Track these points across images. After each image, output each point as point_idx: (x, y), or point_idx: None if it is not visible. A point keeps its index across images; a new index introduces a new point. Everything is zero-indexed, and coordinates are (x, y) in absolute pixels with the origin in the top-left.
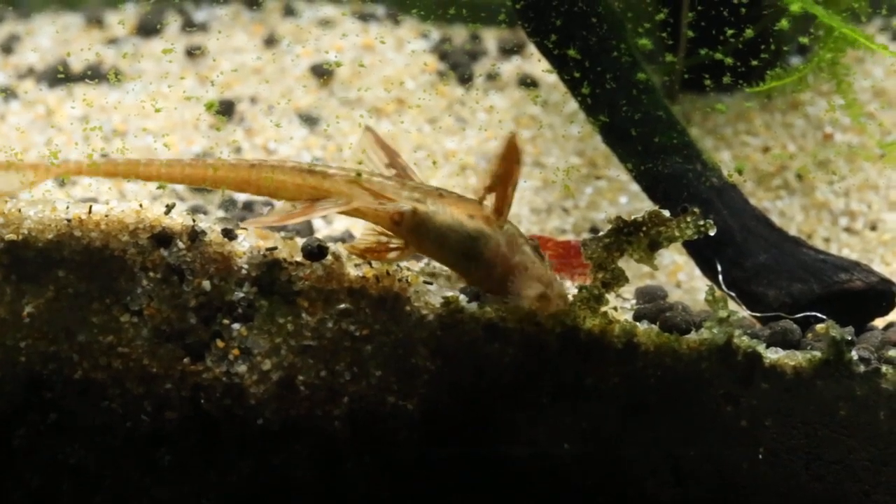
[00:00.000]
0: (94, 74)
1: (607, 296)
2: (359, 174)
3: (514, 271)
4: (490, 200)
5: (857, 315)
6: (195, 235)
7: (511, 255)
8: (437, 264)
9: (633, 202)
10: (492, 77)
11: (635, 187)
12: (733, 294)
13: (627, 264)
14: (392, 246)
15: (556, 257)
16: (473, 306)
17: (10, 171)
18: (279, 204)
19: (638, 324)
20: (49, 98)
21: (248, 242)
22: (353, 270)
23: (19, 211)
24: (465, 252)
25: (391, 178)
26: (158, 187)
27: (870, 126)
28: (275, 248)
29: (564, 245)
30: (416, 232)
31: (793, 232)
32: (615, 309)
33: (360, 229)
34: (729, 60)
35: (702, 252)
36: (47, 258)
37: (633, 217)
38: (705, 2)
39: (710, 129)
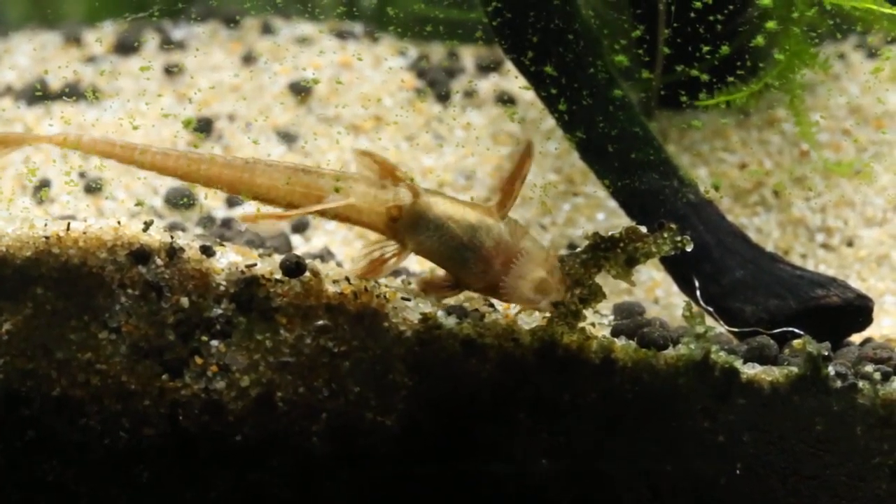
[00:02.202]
0: (72, 92)
1: (585, 312)
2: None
3: (517, 256)
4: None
5: (834, 331)
6: (173, 252)
7: (516, 242)
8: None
9: (611, 218)
10: (469, 94)
11: (613, 203)
12: (710, 310)
13: (605, 280)
14: (388, 255)
15: None
16: (451, 322)
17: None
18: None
19: (616, 340)
20: (27, 116)
21: (226, 259)
22: (332, 287)
23: None
24: (465, 243)
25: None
26: (136, 204)
27: (845, 143)
28: (253, 265)
29: None
30: (415, 225)
31: (769, 248)
32: (593, 325)
33: (339, 244)
34: (705, 77)
35: (679, 268)
36: (25, 275)
37: (610, 233)
38: (681, 18)
39: (687, 145)
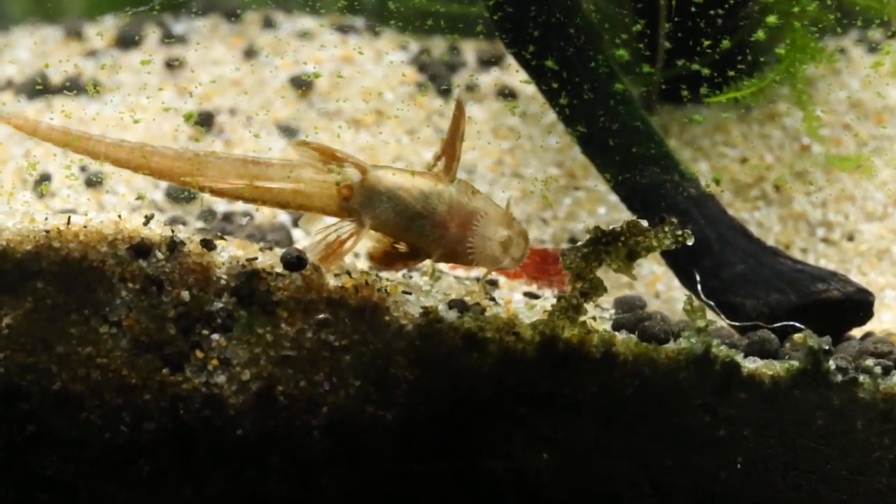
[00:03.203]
0: (73, 86)
1: (586, 306)
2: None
3: (475, 217)
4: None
5: (835, 325)
6: (174, 246)
7: (466, 204)
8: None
9: (612, 212)
10: (470, 88)
11: (614, 198)
12: (711, 304)
13: (606, 274)
14: (344, 236)
15: (533, 264)
16: (452, 316)
17: None
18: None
19: (616, 334)
20: (28, 110)
21: (226, 253)
22: (333, 281)
23: None
24: (419, 211)
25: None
26: (136, 198)
27: (846, 138)
28: (254, 259)
29: (542, 252)
30: (369, 201)
31: (770, 242)
32: (594, 319)
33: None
34: (706, 71)
35: (680, 262)
36: (25, 269)
37: (611, 227)
38: (682, 13)
39: (688, 140)
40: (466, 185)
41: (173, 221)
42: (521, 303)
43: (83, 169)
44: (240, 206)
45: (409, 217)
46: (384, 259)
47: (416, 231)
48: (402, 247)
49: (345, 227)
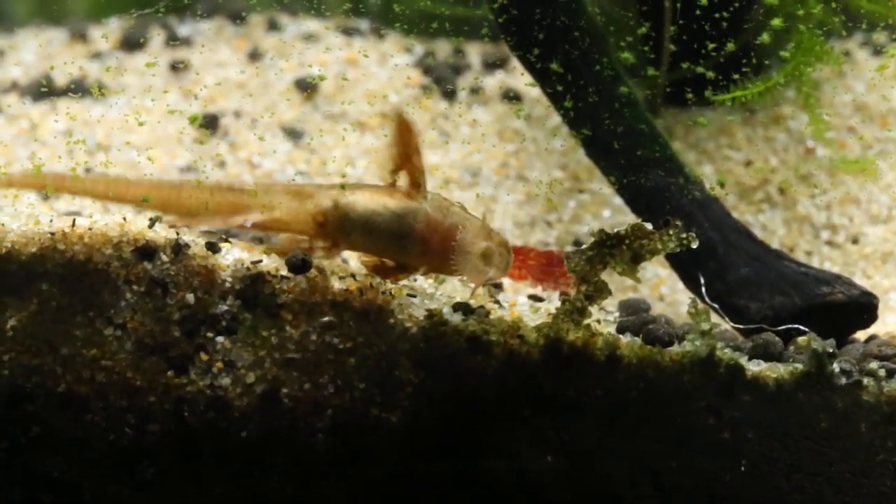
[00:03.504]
0: (78, 88)
1: (590, 308)
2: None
3: (453, 232)
4: (403, 180)
5: (839, 328)
6: (179, 248)
7: (443, 219)
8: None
9: (617, 215)
10: (475, 91)
11: (618, 200)
12: (716, 307)
13: (611, 277)
14: (317, 253)
15: (537, 267)
16: (457, 319)
17: None
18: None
19: (621, 336)
20: (33, 112)
21: (231, 256)
22: (337, 283)
23: (2, 225)
24: (395, 232)
25: (306, 184)
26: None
27: (850, 140)
28: (259, 261)
29: (546, 255)
30: (343, 226)
31: (775, 245)
32: (598, 321)
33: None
34: (711, 74)
35: (684, 265)
36: (30, 271)
37: (615, 230)
38: (687, 16)
39: (693, 142)
40: (441, 200)
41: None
42: (526, 305)
43: (88, 171)
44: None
45: (386, 239)
46: (377, 270)
47: (397, 250)
48: (389, 262)
49: (319, 244)
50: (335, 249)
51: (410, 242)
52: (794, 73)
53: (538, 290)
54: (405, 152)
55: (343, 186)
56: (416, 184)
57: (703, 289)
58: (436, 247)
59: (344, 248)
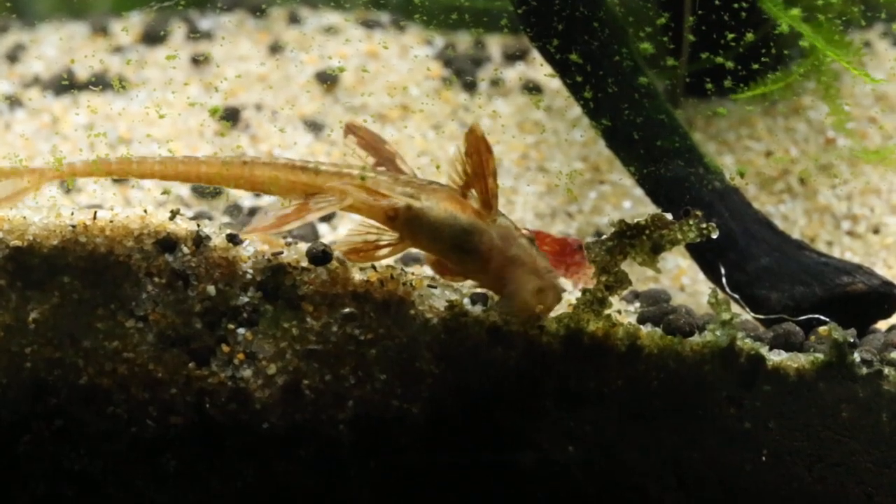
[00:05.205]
0: (99, 82)
1: (611, 299)
2: (362, 176)
3: (511, 265)
4: (473, 198)
5: (860, 318)
6: (200, 241)
7: (506, 249)
8: None
9: (637, 206)
10: (495, 83)
11: (639, 191)
12: (736, 297)
13: (631, 268)
14: (383, 242)
15: (552, 254)
16: (477, 310)
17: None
18: (270, 201)
19: (641, 327)
20: (54, 106)
21: (252, 247)
22: (358, 275)
23: (24, 217)
24: (460, 245)
25: (383, 172)
26: (162, 193)
27: (871, 130)
28: (280, 253)
29: (561, 242)
30: (411, 226)
31: (795, 235)
32: (619, 312)
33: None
34: (730, 64)
35: (705, 255)
36: (52, 264)
37: (636, 221)
38: (706, 6)
39: (713, 133)
40: (507, 230)
41: (199, 216)
42: None
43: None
44: (266, 199)
45: (450, 248)
46: (437, 266)
47: (458, 260)
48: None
49: (388, 234)
50: (403, 244)
51: (471, 259)
52: (814, 64)
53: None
54: (480, 172)
55: (432, 187)
56: (488, 205)
57: (724, 279)
58: (493, 272)
59: (409, 244)
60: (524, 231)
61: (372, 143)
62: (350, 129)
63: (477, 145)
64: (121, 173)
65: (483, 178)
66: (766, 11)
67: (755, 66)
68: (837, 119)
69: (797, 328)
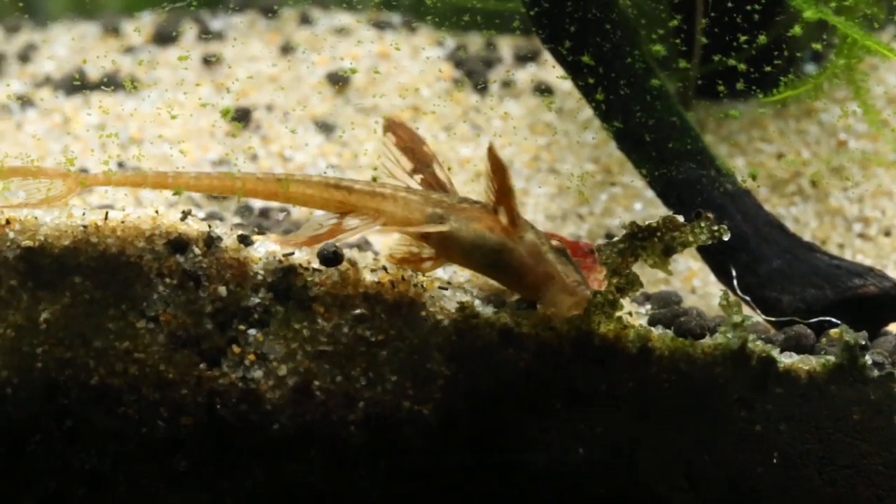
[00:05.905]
0: (111, 82)
1: (622, 301)
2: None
3: (543, 283)
4: (502, 214)
5: (871, 320)
6: (211, 241)
7: (535, 266)
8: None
9: (648, 208)
10: (507, 84)
11: (650, 193)
12: (747, 299)
13: (642, 270)
14: (426, 255)
15: None
16: (489, 311)
17: (37, 177)
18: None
19: (652, 329)
20: (65, 106)
21: (263, 248)
22: (369, 276)
23: (35, 218)
24: (490, 264)
25: (414, 191)
26: (174, 193)
27: (883, 132)
28: (291, 254)
29: (572, 245)
30: (443, 247)
31: (807, 238)
32: (630, 314)
33: (377, 234)
34: (742, 67)
35: (716, 257)
36: (63, 265)
37: (647, 222)
38: (719, 8)
39: (725, 135)
40: (535, 245)
41: (210, 217)
42: None
43: (121, 165)
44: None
45: (482, 266)
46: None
47: (494, 275)
48: None
49: (426, 249)
50: (440, 260)
51: (507, 275)
52: (837, 68)
53: None
54: (501, 190)
55: (462, 206)
56: (512, 222)
57: (735, 281)
58: (529, 286)
59: (444, 261)
60: (554, 242)
61: (410, 145)
62: (390, 127)
63: (494, 167)
64: (157, 186)
65: (505, 197)
66: (783, 11)
67: (767, 69)
68: (870, 118)
69: (808, 330)
